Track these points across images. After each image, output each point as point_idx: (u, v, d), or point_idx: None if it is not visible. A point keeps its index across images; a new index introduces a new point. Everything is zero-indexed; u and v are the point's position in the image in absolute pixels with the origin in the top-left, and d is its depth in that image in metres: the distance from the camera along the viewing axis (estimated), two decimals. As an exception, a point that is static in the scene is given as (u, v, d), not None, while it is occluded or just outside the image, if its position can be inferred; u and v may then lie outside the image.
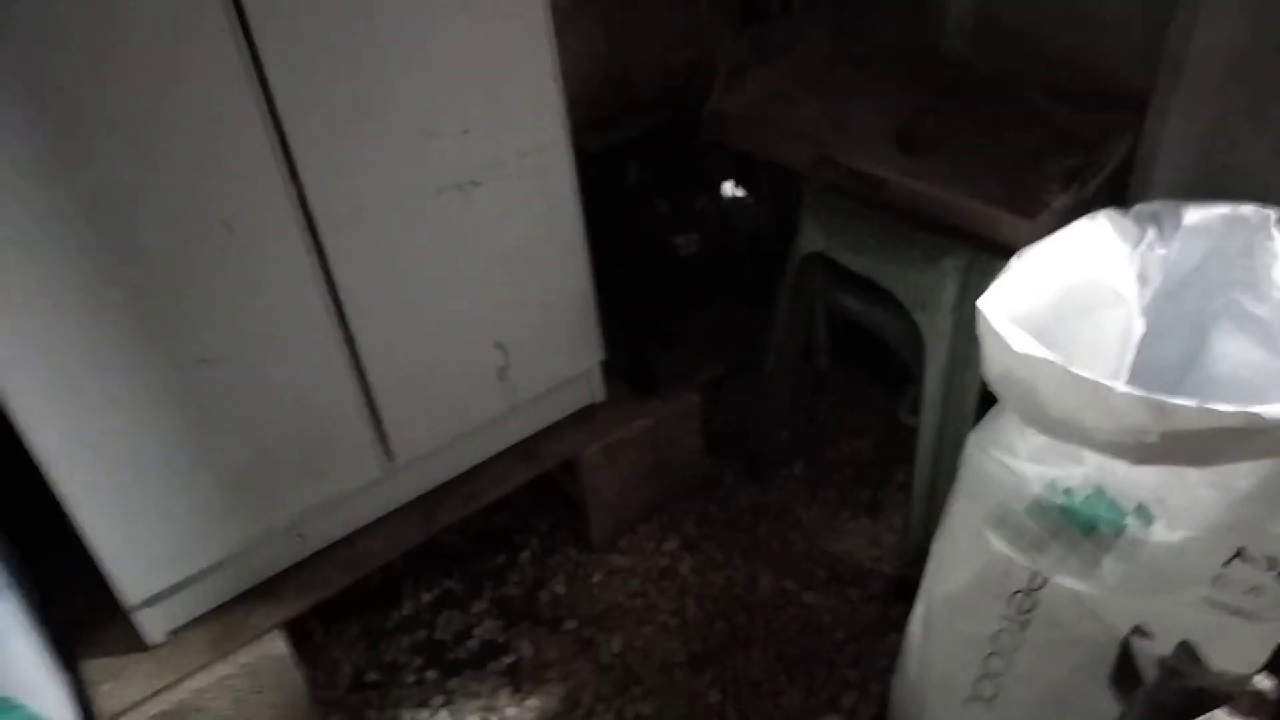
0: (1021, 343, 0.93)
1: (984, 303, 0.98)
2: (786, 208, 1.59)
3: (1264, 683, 1.44)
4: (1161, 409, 0.85)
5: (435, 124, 1.25)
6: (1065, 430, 0.95)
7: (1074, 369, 0.89)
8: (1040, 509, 1.09)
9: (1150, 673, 1.11)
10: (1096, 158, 1.36)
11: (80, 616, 1.37)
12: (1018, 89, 1.50)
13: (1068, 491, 1.07)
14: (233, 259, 1.16)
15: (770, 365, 1.75)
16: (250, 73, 1.09)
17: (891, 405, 1.96)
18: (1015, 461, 1.10)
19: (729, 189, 1.80)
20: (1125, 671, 1.14)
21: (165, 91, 1.04)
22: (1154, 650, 1.10)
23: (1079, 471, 1.06)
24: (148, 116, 1.04)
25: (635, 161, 1.56)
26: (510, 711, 1.51)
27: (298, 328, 1.25)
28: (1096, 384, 0.88)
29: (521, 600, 1.69)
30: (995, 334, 0.95)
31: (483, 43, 1.25)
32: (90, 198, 1.04)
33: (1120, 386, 0.87)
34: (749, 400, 1.87)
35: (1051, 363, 0.91)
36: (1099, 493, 1.05)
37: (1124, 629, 1.09)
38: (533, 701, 1.53)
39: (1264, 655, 1.12)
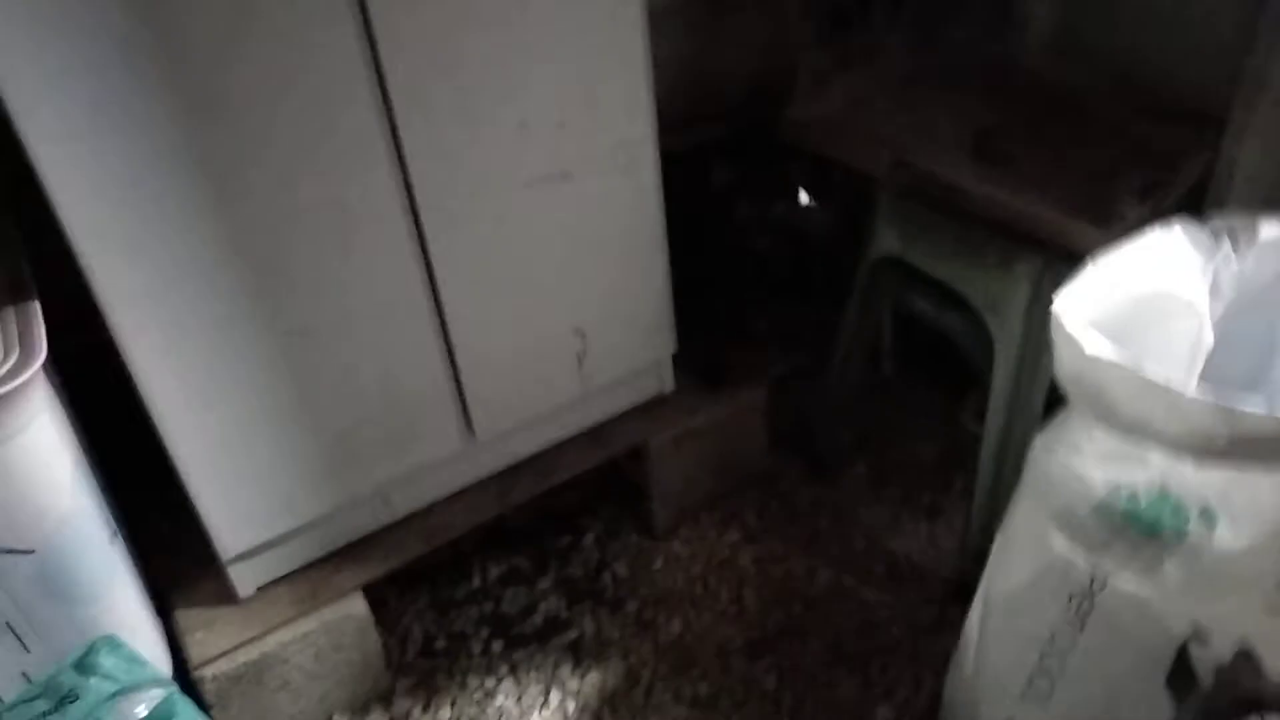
0: (1094, 344, 0.96)
1: (1059, 305, 1.02)
2: (860, 214, 1.63)
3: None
4: (1230, 414, 0.89)
5: (532, 117, 1.32)
6: (1135, 431, 0.99)
7: (1145, 372, 0.92)
8: (1104, 511, 1.11)
9: (1206, 677, 1.13)
10: (1173, 173, 1.38)
11: (176, 569, 1.46)
12: (1096, 102, 1.52)
13: (1132, 495, 1.09)
14: (341, 236, 1.24)
15: (837, 366, 1.79)
16: (369, 63, 1.16)
17: (954, 411, 1.98)
18: (1081, 464, 1.13)
19: (806, 194, 1.84)
20: (1181, 675, 1.16)
21: (291, 79, 1.13)
22: (1211, 655, 1.12)
23: (1144, 475, 1.09)
24: (274, 101, 1.13)
25: (717, 163, 1.61)
26: (572, 685, 1.57)
27: (395, 304, 1.33)
28: (1167, 387, 0.91)
29: (585, 580, 1.75)
30: (1068, 335, 0.99)
31: (580, 41, 1.32)
32: (218, 174, 1.13)
33: (1191, 391, 0.90)
34: (814, 399, 1.91)
35: (1123, 365, 0.94)
36: (1164, 496, 1.07)
37: (1182, 633, 1.11)
38: (593, 676, 1.58)
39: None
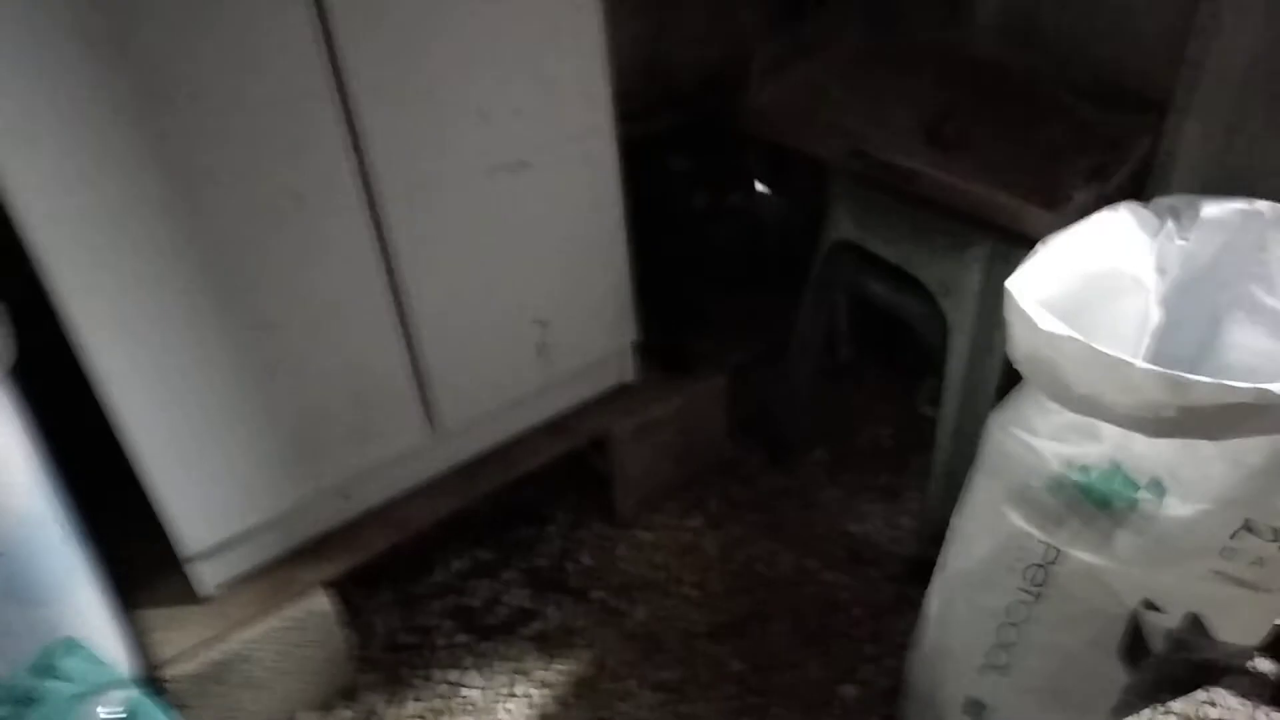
0: (1047, 322, 0.99)
1: (1011, 284, 1.04)
2: (816, 200, 1.65)
3: (1264, 665, 1.50)
4: (1178, 384, 0.91)
5: (490, 105, 1.32)
6: (1087, 406, 1.01)
7: (1097, 346, 0.95)
8: (1058, 485, 1.14)
9: (1159, 644, 1.17)
10: (1118, 155, 1.42)
11: (137, 568, 1.43)
12: (1044, 88, 1.56)
13: (1084, 468, 1.13)
14: (298, 228, 1.22)
15: (795, 352, 1.81)
16: (324, 55, 1.15)
17: (910, 396, 2.01)
18: (1035, 440, 1.16)
19: (762, 182, 1.86)
20: (1134, 643, 1.20)
21: (247, 70, 1.11)
22: (1163, 622, 1.15)
23: (1096, 449, 1.12)
24: (230, 93, 1.11)
25: (675, 152, 1.62)
26: (539, 674, 1.58)
27: (355, 296, 1.32)
28: (1118, 360, 0.94)
29: (550, 570, 1.75)
30: (1022, 313, 1.01)
31: (537, 29, 1.32)
32: (172, 165, 1.11)
33: (1140, 363, 0.93)
34: (774, 386, 1.93)
35: (1075, 340, 0.97)
36: (1115, 469, 1.11)
37: (1134, 602, 1.14)
38: (560, 665, 1.59)
39: (1266, 627, 1.18)
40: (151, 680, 1.33)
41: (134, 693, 1.08)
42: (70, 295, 1.10)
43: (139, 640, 1.38)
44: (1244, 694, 1.49)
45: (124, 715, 1.08)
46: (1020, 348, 1.06)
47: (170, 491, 1.27)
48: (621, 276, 1.60)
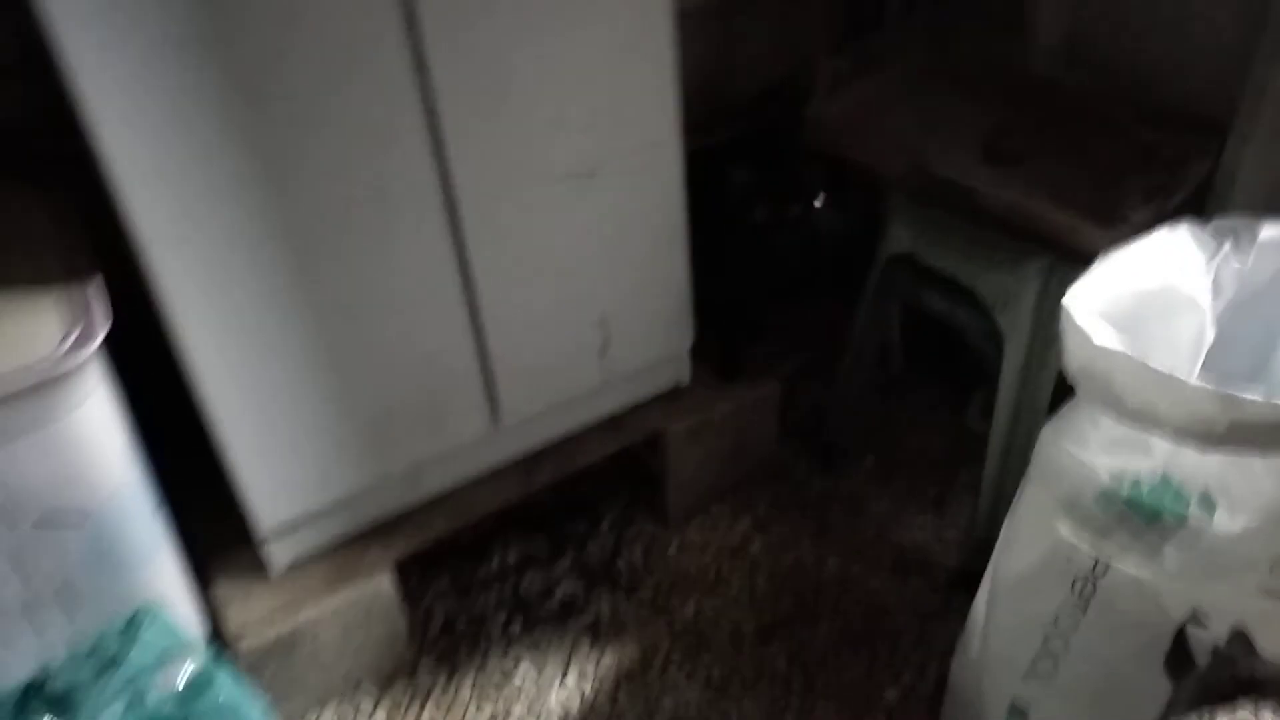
0: (1102, 336, 1.02)
1: (1069, 298, 1.07)
2: (874, 214, 1.69)
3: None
4: (1230, 400, 0.94)
5: (563, 117, 1.38)
6: (1139, 419, 1.04)
7: (1150, 362, 0.98)
8: (1108, 498, 1.17)
9: (1203, 659, 1.19)
10: (1177, 176, 1.43)
11: (215, 542, 1.51)
12: (1104, 108, 1.58)
13: (1135, 482, 1.15)
14: (382, 223, 1.29)
15: (849, 362, 1.85)
16: (414, 60, 1.22)
17: (960, 410, 2.04)
18: (1086, 453, 1.18)
19: (821, 194, 1.90)
20: (1179, 656, 1.21)
21: (339, 73, 1.18)
22: (1208, 637, 1.17)
23: (1147, 463, 1.15)
24: (323, 93, 1.18)
25: (736, 163, 1.67)
26: (588, 666, 1.63)
27: (430, 291, 1.39)
28: (1171, 376, 0.97)
29: (601, 565, 1.80)
30: (1078, 328, 1.04)
31: (613, 45, 1.38)
32: (269, 158, 1.18)
33: (1193, 380, 0.96)
34: (826, 394, 1.97)
35: (1129, 356, 0.99)
36: (1165, 483, 1.13)
37: (1180, 615, 1.16)
38: (609, 658, 1.64)
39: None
40: (224, 650, 1.40)
41: (209, 660, 1.14)
42: (165, 274, 1.17)
43: (213, 611, 1.45)
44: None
45: (201, 682, 1.14)
46: (1074, 361, 1.08)
47: (248, 469, 1.35)
48: (681, 283, 1.65)
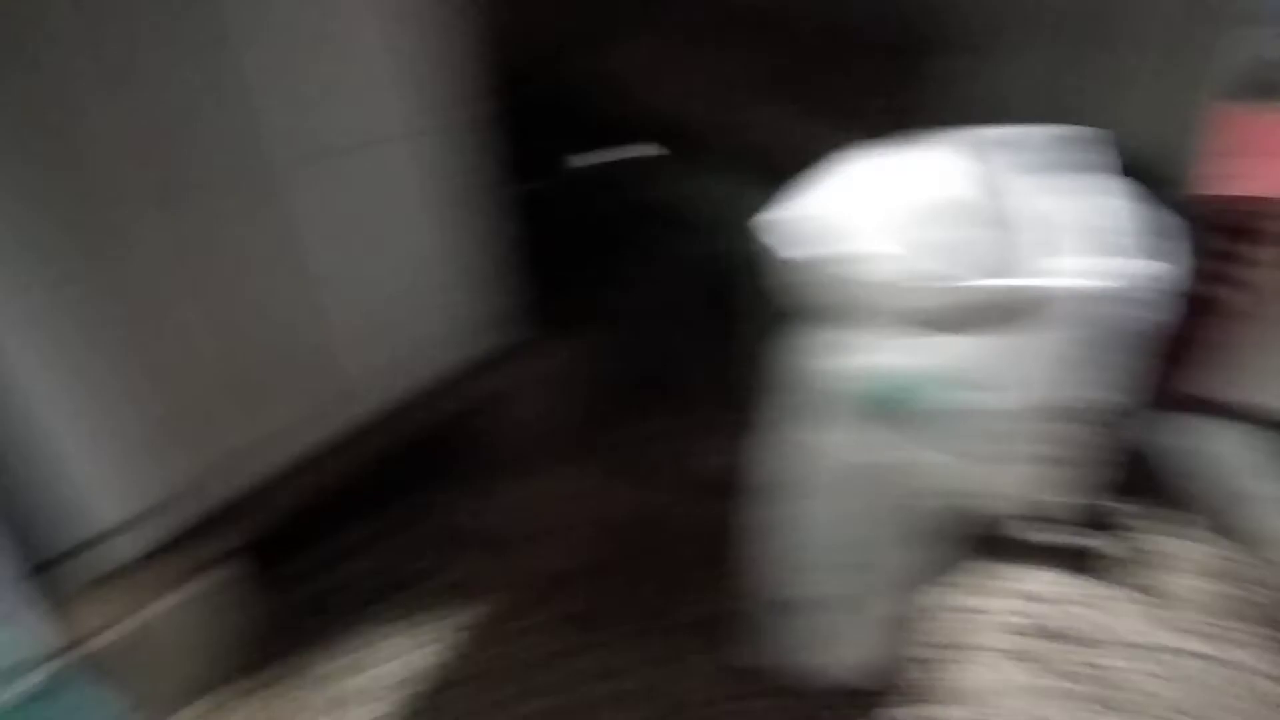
0: (807, 247, 1.12)
1: (775, 217, 1.18)
2: (661, 165, 1.77)
3: (1076, 538, 1.68)
4: (955, 287, 1.06)
5: (341, 82, 1.41)
6: (875, 317, 1.14)
7: (860, 256, 1.08)
8: (869, 395, 1.27)
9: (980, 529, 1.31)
10: (921, 91, 1.56)
11: (52, 545, 1.45)
12: (861, 39, 1.69)
13: (889, 377, 1.25)
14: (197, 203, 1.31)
15: (646, 308, 1.94)
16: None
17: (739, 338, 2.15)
18: (835, 359, 1.28)
19: (617, 156, 1.98)
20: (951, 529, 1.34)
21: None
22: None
23: (899, 358, 1.24)
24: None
25: (537, 123, 1.73)
26: (450, 621, 1.68)
27: (247, 266, 1.41)
28: (895, 272, 1.07)
29: (449, 527, 1.86)
30: (789, 244, 1.15)
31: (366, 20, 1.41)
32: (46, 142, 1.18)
33: (912, 265, 1.06)
34: (636, 342, 2.08)
35: (837, 256, 1.10)
36: (920, 374, 1.24)
37: (952, 492, 1.28)
38: (470, 612, 1.69)
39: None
40: (68, 655, 1.39)
41: (54, 667, 1.14)
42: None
43: (55, 616, 1.43)
44: (1061, 568, 1.67)
45: (46, 691, 1.14)
46: (791, 277, 1.18)
47: (76, 468, 1.34)
48: (495, 246, 1.70)
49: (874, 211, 1.27)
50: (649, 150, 2.12)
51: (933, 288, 1.06)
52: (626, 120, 1.90)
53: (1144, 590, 1.67)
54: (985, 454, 1.29)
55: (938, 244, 1.33)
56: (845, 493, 1.35)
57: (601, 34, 1.77)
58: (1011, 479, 1.34)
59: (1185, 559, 1.74)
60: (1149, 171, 1.41)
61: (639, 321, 2.01)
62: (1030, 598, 1.65)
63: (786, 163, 1.52)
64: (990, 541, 1.57)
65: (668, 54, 1.77)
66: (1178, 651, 1.56)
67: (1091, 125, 1.35)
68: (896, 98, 1.57)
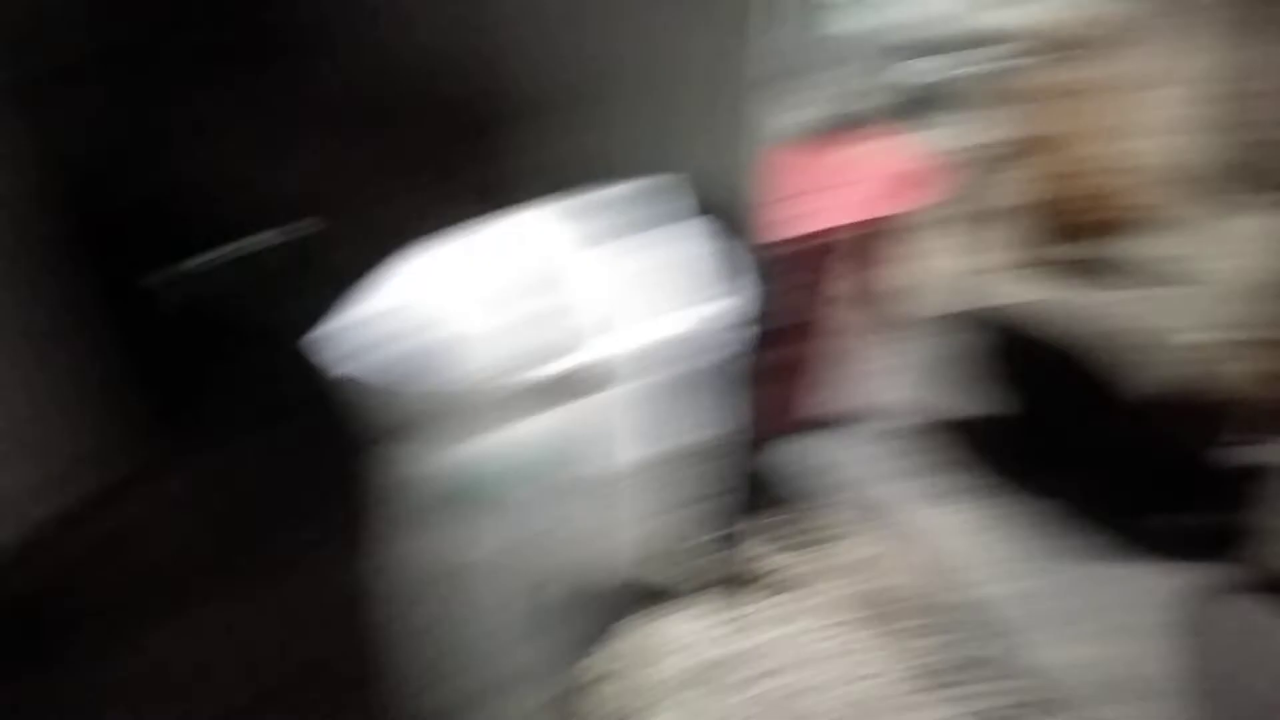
0: (365, 358, 1.12)
1: (324, 332, 1.18)
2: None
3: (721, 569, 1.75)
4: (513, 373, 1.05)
5: None
6: (446, 415, 1.13)
7: (426, 351, 1.07)
8: (464, 492, 1.24)
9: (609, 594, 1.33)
10: (512, 167, 1.57)
11: None
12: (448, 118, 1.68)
13: (479, 469, 1.22)
14: None
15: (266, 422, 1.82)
16: None
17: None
18: (426, 461, 1.24)
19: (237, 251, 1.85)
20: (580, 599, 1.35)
21: None
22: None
23: (483, 449, 1.22)
24: None
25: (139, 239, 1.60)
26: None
27: None
28: (456, 359, 1.06)
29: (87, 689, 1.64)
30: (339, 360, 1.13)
31: None
32: None
33: (483, 355, 1.06)
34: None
35: (399, 356, 1.09)
36: (510, 458, 1.23)
37: (570, 565, 1.29)
38: None
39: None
40: None
41: None
42: None
43: None
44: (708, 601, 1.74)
45: None
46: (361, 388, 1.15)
47: None
48: (79, 375, 1.54)
49: (440, 302, 1.24)
50: (272, 240, 2.01)
51: (505, 374, 1.06)
52: (242, 212, 1.80)
53: (791, 603, 1.77)
54: (597, 519, 1.31)
55: (507, 327, 1.35)
56: (469, 590, 1.32)
57: (194, 127, 1.65)
58: (630, 535, 1.37)
59: (824, 568, 1.86)
60: (726, 214, 1.50)
61: (258, 435, 1.89)
62: (689, 637, 1.70)
63: (392, 248, 1.50)
64: (635, 595, 1.59)
65: (277, 141, 1.68)
66: (831, 656, 1.66)
67: (669, 175, 1.41)
68: (486, 172, 1.58)
